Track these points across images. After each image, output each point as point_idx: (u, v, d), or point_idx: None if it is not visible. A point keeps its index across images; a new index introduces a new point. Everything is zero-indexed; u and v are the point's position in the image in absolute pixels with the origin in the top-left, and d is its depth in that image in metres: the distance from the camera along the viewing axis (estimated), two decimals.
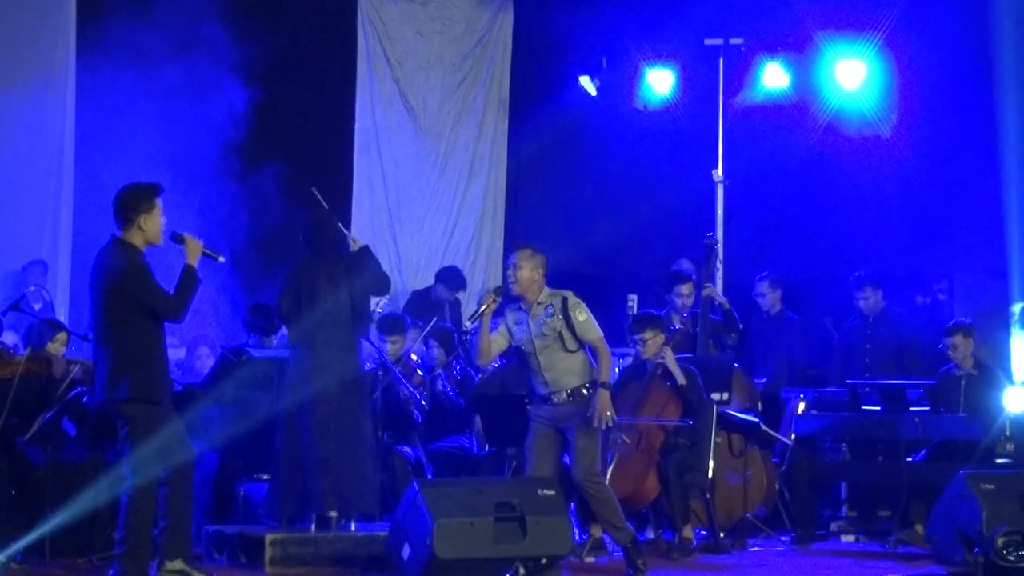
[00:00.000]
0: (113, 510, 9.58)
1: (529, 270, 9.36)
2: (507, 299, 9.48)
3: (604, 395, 9.26)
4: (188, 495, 8.62)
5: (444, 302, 13.55)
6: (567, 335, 9.31)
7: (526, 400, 10.18)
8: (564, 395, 9.34)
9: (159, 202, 8.42)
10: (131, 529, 8.33)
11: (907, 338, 12.22)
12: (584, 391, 9.33)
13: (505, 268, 9.62)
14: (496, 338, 9.45)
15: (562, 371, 9.34)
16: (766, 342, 12.57)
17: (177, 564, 8.49)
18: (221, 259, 8.86)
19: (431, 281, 14.28)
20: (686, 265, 12.58)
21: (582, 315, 9.35)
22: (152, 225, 8.39)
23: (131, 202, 8.39)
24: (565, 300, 9.37)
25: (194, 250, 8.51)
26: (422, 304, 13.43)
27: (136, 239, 8.38)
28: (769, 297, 12.64)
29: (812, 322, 13.01)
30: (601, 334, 9.43)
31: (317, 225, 10.08)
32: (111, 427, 9.66)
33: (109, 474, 9.16)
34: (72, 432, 10.27)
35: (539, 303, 9.37)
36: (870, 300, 12.25)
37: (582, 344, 9.36)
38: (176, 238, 8.56)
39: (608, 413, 9.27)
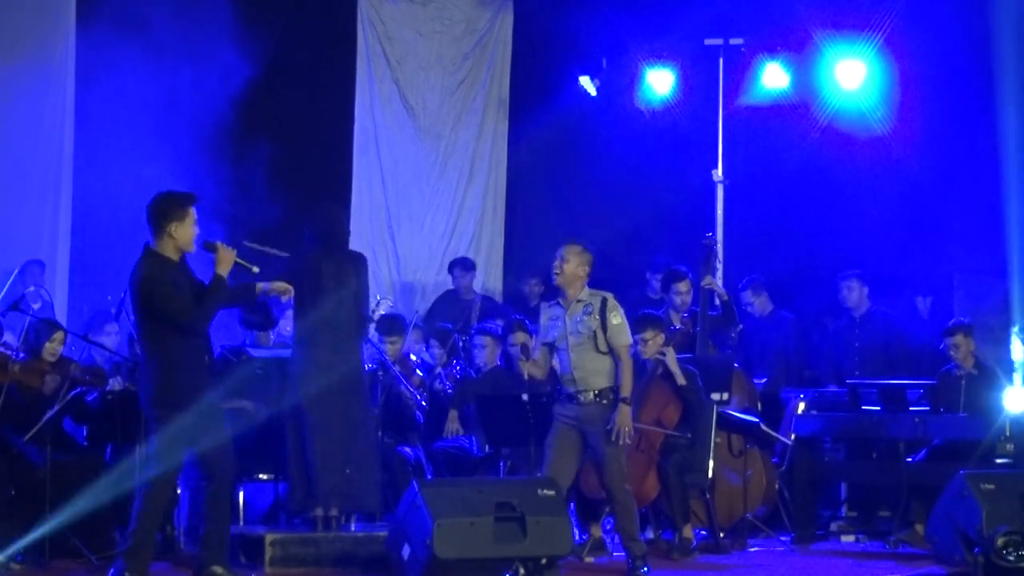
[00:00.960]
0: (113, 510, 9.63)
1: (575, 265, 9.45)
2: (547, 295, 9.57)
3: (624, 410, 9.33)
4: (228, 500, 8.66)
5: (475, 300, 13.54)
6: (600, 336, 9.38)
7: (526, 402, 10.18)
8: (591, 395, 9.37)
9: (192, 211, 8.46)
10: (141, 526, 8.37)
11: (894, 338, 12.23)
12: (611, 394, 9.37)
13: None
14: (542, 350, 9.60)
15: (591, 371, 9.38)
16: (763, 342, 12.59)
17: (218, 569, 8.53)
18: (255, 269, 8.85)
19: (430, 281, 14.29)
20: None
21: (616, 319, 9.42)
22: (183, 234, 8.43)
23: (163, 209, 8.45)
24: (605, 301, 9.45)
25: (226, 259, 8.53)
26: (451, 306, 13.40)
27: (167, 248, 8.44)
28: (757, 303, 12.72)
29: (810, 321, 13.01)
30: (629, 341, 9.52)
31: (326, 220, 10.02)
32: (112, 427, 9.71)
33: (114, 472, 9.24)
34: (75, 432, 10.26)
35: (578, 301, 9.45)
36: (854, 293, 12.28)
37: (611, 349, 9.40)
38: (208, 246, 8.55)
39: (626, 428, 9.32)
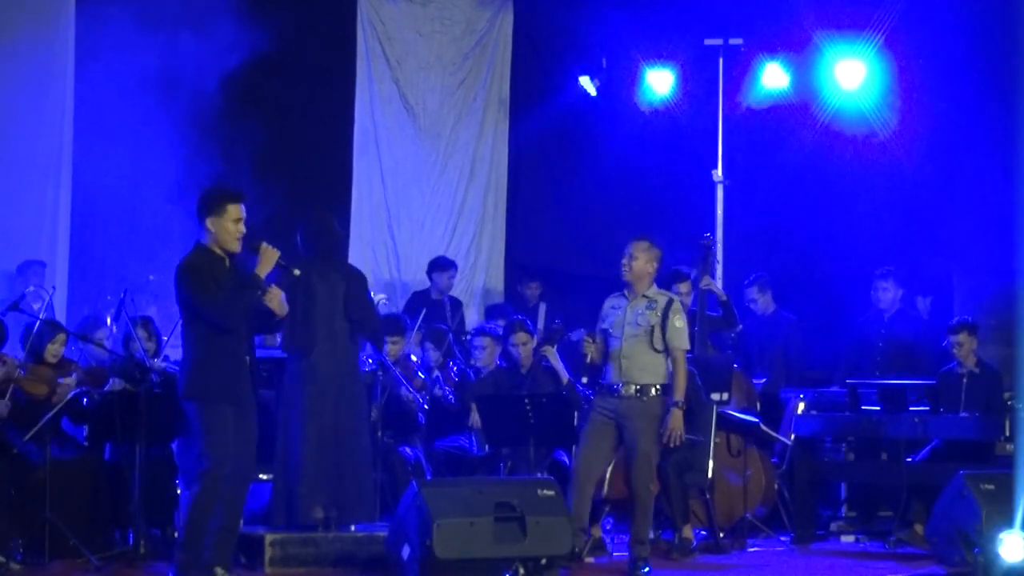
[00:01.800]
0: (113, 510, 9.63)
1: (643, 261, 9.48)
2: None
3: (677, 415, 9.34)
4: (241, 501, 8.55)
5: (445, 302, 13.50)
6: (657, 334, 9.38)
7: (526, 402, 10.17)
8: (632, 388, 9.37)
9: (232, 208, 8.35)
10: (192, 518, 8.34)
11: (921, 338, 12.21)
12: (652, 391, 9.36)
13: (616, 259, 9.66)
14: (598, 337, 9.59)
15: (638, 364, 9.39)
16: (762, 342, 12.58)
17: (220, 571, 8.47)
18: (297, 272, 8.79)
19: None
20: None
21: (679, 321, 9.43)
22: (218, 230, 8.34)
23: (202, 203, 8.43)
24: (671, 302, 9.48)
25: (268, 260, 8.44)
26: (422, 305, 13.38)
27: (212, 243, 8.39)
28: (761, 301, 12.71)
29: (810, 321, 13.00)
30: (687, 346, 9.54)
31: (317, 226, 9.96)
32: (112, 426, 9.70)
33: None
34: (75, 432, 10.26)
35: (644, 296, 9.47)
36: (889, 293, 12.23)
37: (667, 349, 9.38)
38: (253, 247, 8.47)
39: (678, 433, 9.33)
